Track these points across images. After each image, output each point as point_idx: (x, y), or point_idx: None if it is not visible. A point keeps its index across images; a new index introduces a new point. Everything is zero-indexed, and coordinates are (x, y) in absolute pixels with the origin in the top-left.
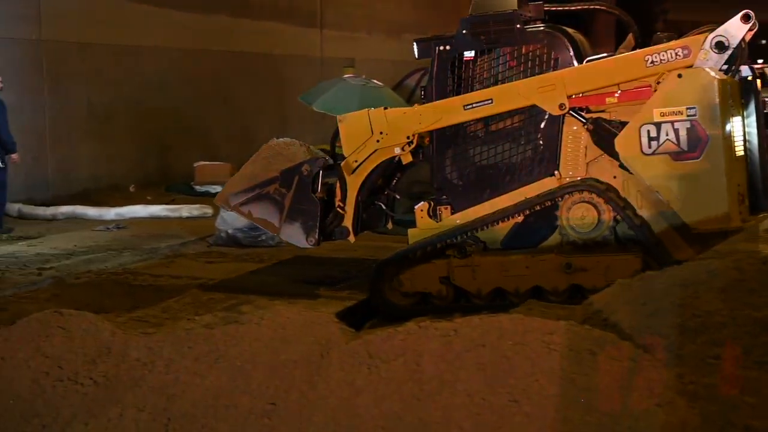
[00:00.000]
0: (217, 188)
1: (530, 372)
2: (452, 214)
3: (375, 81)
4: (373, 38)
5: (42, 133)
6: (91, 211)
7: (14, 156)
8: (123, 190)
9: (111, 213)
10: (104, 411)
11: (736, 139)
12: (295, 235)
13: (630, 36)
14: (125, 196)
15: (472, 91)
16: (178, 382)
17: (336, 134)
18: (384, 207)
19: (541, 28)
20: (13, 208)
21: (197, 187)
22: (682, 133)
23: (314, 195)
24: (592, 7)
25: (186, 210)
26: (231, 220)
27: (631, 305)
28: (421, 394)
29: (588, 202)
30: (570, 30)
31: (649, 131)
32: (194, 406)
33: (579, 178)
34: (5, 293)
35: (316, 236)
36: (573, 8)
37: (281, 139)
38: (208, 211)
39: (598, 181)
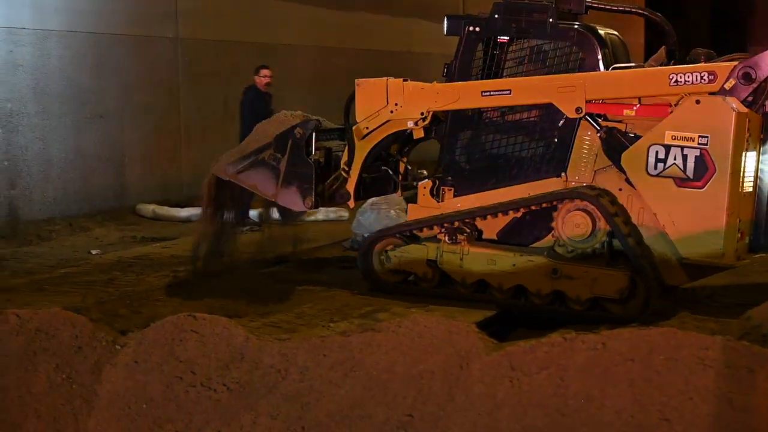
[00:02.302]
0: None
1: (683, 390)
2: (454, 196)
3: None
4: None
5: (177, 132)
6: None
7: None
8: None
9: None
10: (237, 418)
11: (746, 174)
12: (292, 200)
13: (662, 49)
14: (260, 198)
15: (496, 75)
16: (312, 390)
17: (352, 98)
18: (391, 173)
19: (574, 26)
20: (148, 209)
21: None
22: (690, 161)
23: (308, 158)
24: (633, 11)
25: (322, 213)
26: (368, 224)
27: None
28: (566, 409)
29: (585, 211)
30: (604, 32)
31: (657, 152)
32: (329, 415)
33: (585, 185)
34: (140, 295)
35: (313, 199)
36: (614, 9)
37: (281, 112)
38: (345, 214)
39: (607, 194)
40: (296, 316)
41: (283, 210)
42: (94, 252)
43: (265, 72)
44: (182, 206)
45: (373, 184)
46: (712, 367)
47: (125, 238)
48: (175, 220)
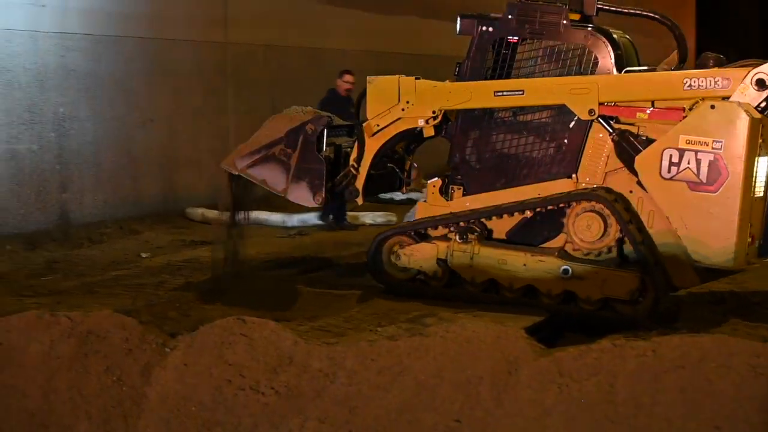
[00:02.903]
0: (401, 195)
1: (735, 397)
2: (464, 195)
3: None
4: None
5: (225, 135)
6: (274, 217)
7: None
8: None
9: (294, 219)
10: (285, 421)
11: (758, 179)
12: (302, 195)
13: (674, 53)
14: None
15: (508, 76)
16: (360, 394)
17: (363, 95)
18: (397, 170)
19: (588, 28)
20: (197, 212)
21: (381, 194)
22: (704, 165)
23: (320, 154)
24: (644, 14)
25: (369, 217)
26: None
27: None
28: (616, 416)
29: (596, 212)
30: (617, 34)
31: (671, 156)
32: (376, 420)
33: (594, 186)
34: (189, 298)
35: (323, 195)
36: (625, 12)
37: (292, 107)
38: (393, 218)
39: (609, 192)
40: (344, 320)
41: (336, 215)
42: (144, 255)
43: (347, 77)
44: None
45: (379, 180)
46: (764, 375)
47: (174, 242)
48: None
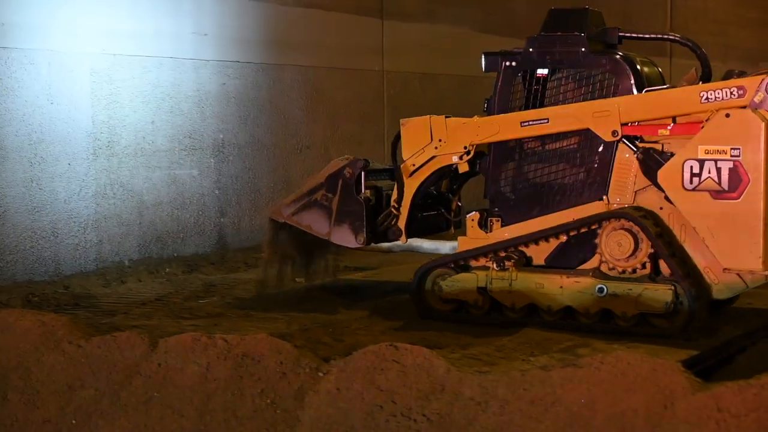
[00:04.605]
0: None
1: None
2: (502, 226)
3: None
4: (728, 67)
5: (381, 163)
6: (426, 245)
7: None
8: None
9: (446, 247)
10: None
11: None
12: (345, 237)
13: (693, 69)
14: (462, 231)
15: (534, 106)
16: (512, 424)
17: (398, 138)
18: (443, 211)
19: (607, 54)
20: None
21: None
22: (724, 173)
23: (359, 196)
24: (666, 37)
25: None
26: None
27: None
28: None
29: (625, 230)
30: (638, 58)
31: (692, 167)
32: None
33: (625, 206)
34: (342, 324)
35: (365, 235)
36: (647, 37)
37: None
38: None
39: (637, 209)
40: (496, 348)
41: None
42: (298, 279)
43: None
44: None
45: (425, 221)
46: None
47: (328, 267)
48: (378, 250)
